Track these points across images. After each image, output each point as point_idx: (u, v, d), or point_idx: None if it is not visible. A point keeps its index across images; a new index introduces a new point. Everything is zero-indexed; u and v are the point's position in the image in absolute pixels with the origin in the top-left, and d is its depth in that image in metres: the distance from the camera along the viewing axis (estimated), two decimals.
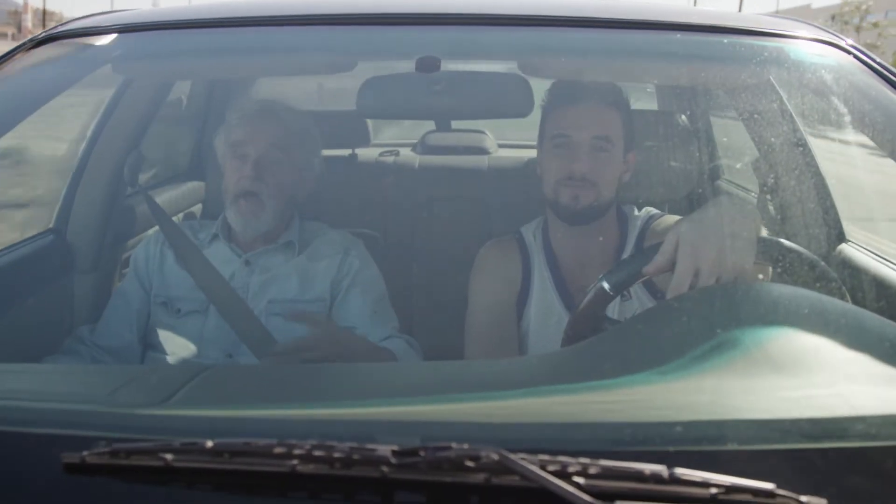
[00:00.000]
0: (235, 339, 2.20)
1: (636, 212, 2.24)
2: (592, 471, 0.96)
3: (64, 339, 2.26)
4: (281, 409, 1.24)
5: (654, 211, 2.24)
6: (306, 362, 1.99)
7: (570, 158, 2.08)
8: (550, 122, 2.16)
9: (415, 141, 4.47)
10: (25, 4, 48.07)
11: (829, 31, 2.02)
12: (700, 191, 2.78)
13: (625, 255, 2.16)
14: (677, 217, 2.18)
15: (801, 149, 2.54)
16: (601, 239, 2.17)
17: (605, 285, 1.67)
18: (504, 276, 2.22)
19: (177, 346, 2.25)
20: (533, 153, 3.56)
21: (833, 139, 2.17)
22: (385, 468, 0.98)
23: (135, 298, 2.33)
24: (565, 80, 2.20)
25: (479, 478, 0.98)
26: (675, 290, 1.58)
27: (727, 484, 0.96)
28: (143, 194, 2.56)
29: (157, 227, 2.42)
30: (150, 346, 2.30)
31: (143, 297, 2.33)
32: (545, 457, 0.98)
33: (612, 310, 2.03)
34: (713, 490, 0.96)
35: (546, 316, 2.16)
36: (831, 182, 2.60)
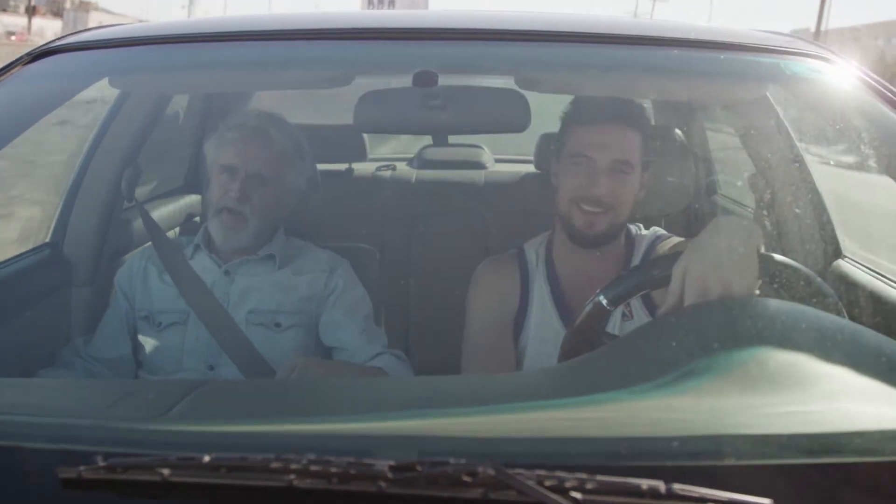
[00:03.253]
0: (217, 350, 2.21)
1: (642, 230, 2.22)
2: (589, 486, 0.96)
3: (68, 345, 2.27)
4: (278, 424, 1.24)
5: (660, 231, 2.22)
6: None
7: (588, 179, 2.05)
8: (571, 137, 2.11)
9: (411, 155, 4.48)
10: None
11: (825, 48, 2.02)
12: (696, 206, 2.78)
13: None
14: (681, 239, 2.16)
15: (797, 164, 2.55)
16: (606, 258, 2.14)
17: (603, 300, 1.67)
18: (502, 294, 2.20)
19: (159, 359, 2.26)
20: (529, 168, 3.58)
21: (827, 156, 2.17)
22: (382, 483, 0.98)
23: (125, 314, 2.34)
24: (589, 95, 2.18)
25: (477, 493, 0.97)
26: None
27: (724, 499, 0.96)
28: (138, 208, 2.56)
29: (144, 246, 2.44)
30: (137, 360, 2.30)
31: (130, 312, 2.34)
32: (542, 472, 0.98)
33: (613, 328, 2.02)
34: None
35: (545, 334, 2.13)
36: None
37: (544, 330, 2.14)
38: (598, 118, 2.09)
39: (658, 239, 2.17)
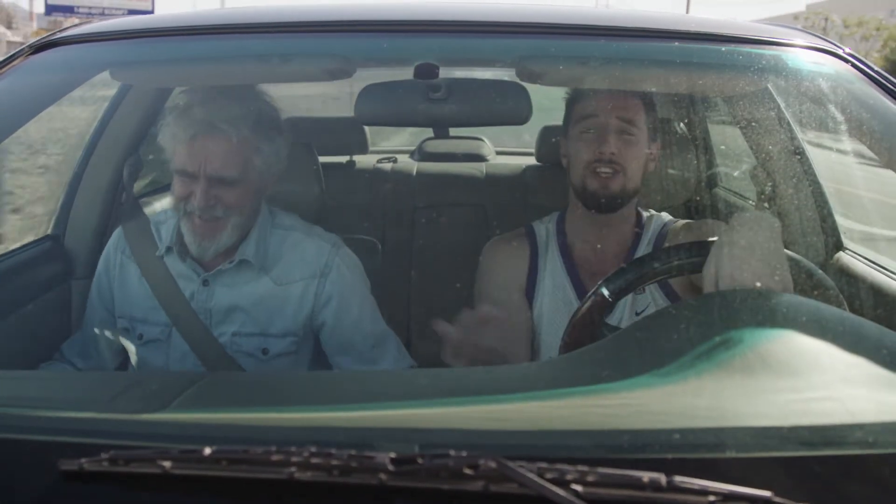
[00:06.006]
0: (203, 372, 2.06)
1: (651, 213, 2.27)
2: (590, 478, 0.96)
3: (61, 345, 2.26)
4: (279, 417, 1.24)
5: (667, 217, 2.27)
6: None
7: (598, 141, 2.11)
8: (576, 110, 2.18)
9: (412, 148, 4.48)
10: None
11: (826, 40, 2.02)
12: (698, 198, 2.78)
13: (638, 254, 2.18)
14: (687, 221, 2.24)
15: (798, 157, 2.55)
16: (617, 233, 2.20)
17: (605, 291, 1.67)
18: (510, 267, 2.24)
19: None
20: (531, 160, 3.59)
21: (830, 148, 2.17)
22: (383, 476, 0.98)
23: (99, 317, 2.24)
24: (590, 88, 2.22)
25: (478, 485, 0.98)
26: None
27: (725, 492, 0.96)
28: (139, 199, 2.55)
29: (116, 232, 2.30)
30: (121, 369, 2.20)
31: (106, 316, 2.22)
32: (543, 464, 0.98)
33: (624, 304, 2.08)
34: (711, 498, 0.96)
35: (558, 302, 2.18)
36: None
37: (557, 298, 2.19)
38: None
39: (667, 224, 2.24)
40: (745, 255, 1.56)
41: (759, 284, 1.52)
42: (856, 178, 2.31)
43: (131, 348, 2.18)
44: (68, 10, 34.76)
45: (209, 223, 2.05)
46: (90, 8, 33.95)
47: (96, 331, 2.23)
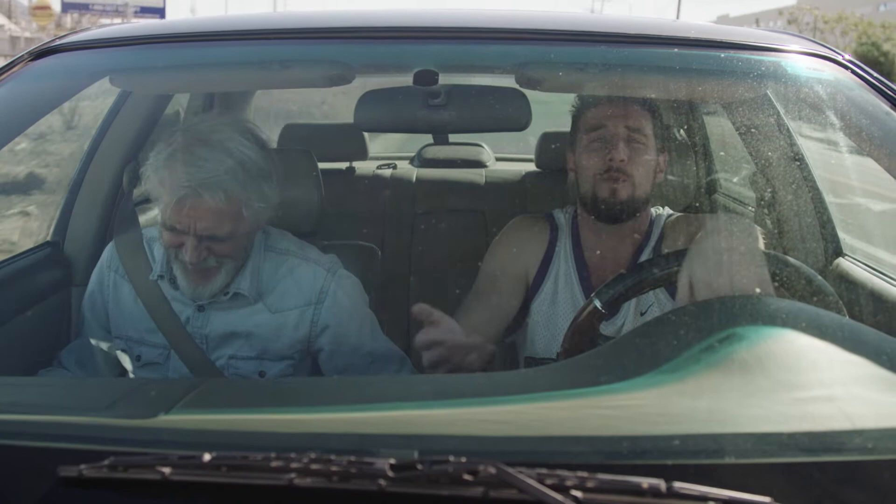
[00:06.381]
0: (202, 378, 2.03)
1: (659, 211, 2.29)
2: (590, 485, 0.96)
3: (60, 352, 2.25)
4: (279, 423, 1.24)
5: (668, 210, 2.30)
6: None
7: (607, 150, 2.11)
8: (584, 121, 2.19)
9: (412, 154, 4.49)
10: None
11: (825, 46, 2.02)
12: (697, 205, 2.78)
13: (644, 253, 2.20)
14: (683, 214, 2.26)
15: (798, 163, 2.55)
16: (628, 235, 2.21)
17: (597, 303, 1.67)
18: (527, 249, 2.27)
19: None
20: (530, 166, 3.59)
21: (828, 144, 2.18)
22: (383, 481, 0.98)
23: (94, 333, 2.22)
24: (590, 94, 2.23)
25: (477, 491, 0.98)
26: None
27: (724, 498, 0.96)
28: (137, 207, 2.55)
29: (110, 247, 2.26)
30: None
31: (101, 333, 2.20)
32: (543, 470, 0.98)
33: (629, 302, 2.09)
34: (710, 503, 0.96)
35: (563, 299, 2.21)
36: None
37: (564, 295, 2.21)
38: (606, 97, 2.18)
39: (669, 218, 2.26)
40: (717, 261, 1.58)
41: (735, 289, 1.54)
42: (851, 173, 2.32)
43: (129, 368, 2.16)
44: (84, 7, 34.77)
45: (202, 271, 2.03)
46: (105, 5, 33.98)
47: (93, 344, 2.21)
